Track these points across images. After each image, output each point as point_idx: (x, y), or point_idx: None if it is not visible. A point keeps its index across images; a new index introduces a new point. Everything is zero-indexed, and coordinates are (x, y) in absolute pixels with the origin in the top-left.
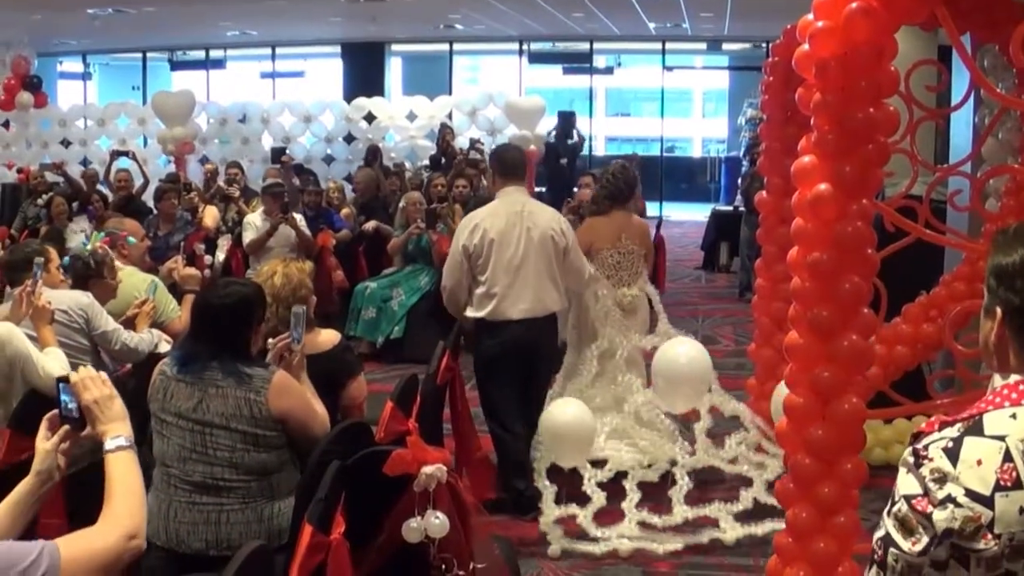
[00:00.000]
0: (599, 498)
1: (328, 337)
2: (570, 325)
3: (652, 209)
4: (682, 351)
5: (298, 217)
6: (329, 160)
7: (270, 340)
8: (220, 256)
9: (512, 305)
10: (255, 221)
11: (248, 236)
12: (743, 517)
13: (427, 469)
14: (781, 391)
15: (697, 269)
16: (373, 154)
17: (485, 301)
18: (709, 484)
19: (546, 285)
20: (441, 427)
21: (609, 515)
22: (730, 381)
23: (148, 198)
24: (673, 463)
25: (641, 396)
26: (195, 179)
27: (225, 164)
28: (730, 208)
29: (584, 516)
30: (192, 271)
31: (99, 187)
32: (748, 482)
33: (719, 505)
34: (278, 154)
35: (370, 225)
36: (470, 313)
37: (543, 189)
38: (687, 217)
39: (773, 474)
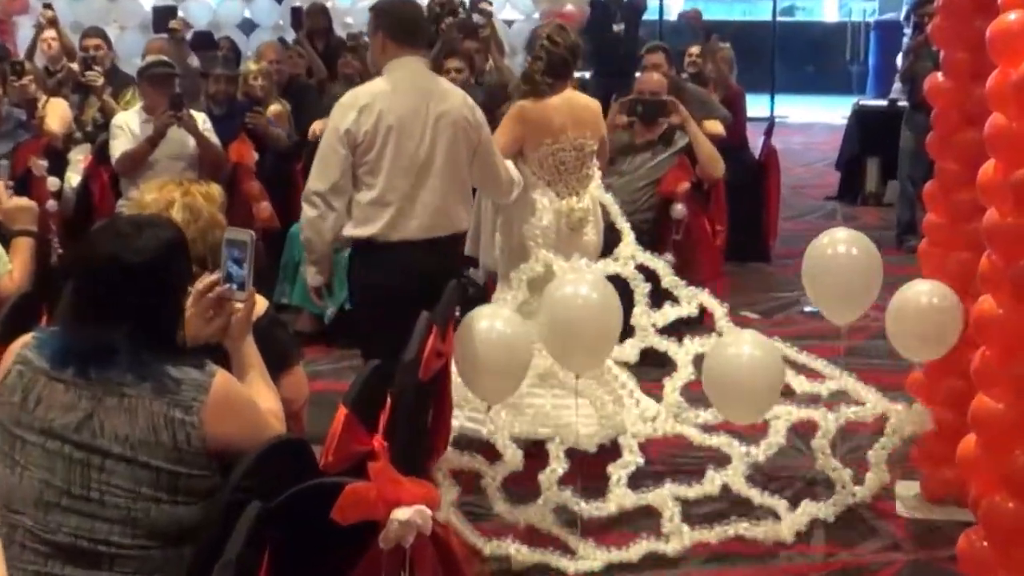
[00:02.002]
0: (513, 459)
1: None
2: (497, 249)
3: (758, 106)
4: (745, 352)
5: (199, 117)
6: (248, 27)
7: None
8: (73, 178)
9: (412, 219)
10: (129, 123)
11: (119, 146)
12: (700, 514)
13: (400, 514)
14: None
15: (830, 200)
16: (311, 18)
17: (374, 213)
18: (666, 460)
19: (455, 193)
20: (425, 446)
21: (521, 484)
22: (884, 375)
23: None
24: (620, 431)
25: None
26: (33, 56)
27: (80, 33)
28: (883, 103)
29: (492, 480)
30: (24, 202)
31: None
32: (721, 462)
33: (671, 488)
34: (164, 17)
35: (317, 128)
36: (349, 231)
37: (587, 74)
38: (814, 118)
39: (765, 454)
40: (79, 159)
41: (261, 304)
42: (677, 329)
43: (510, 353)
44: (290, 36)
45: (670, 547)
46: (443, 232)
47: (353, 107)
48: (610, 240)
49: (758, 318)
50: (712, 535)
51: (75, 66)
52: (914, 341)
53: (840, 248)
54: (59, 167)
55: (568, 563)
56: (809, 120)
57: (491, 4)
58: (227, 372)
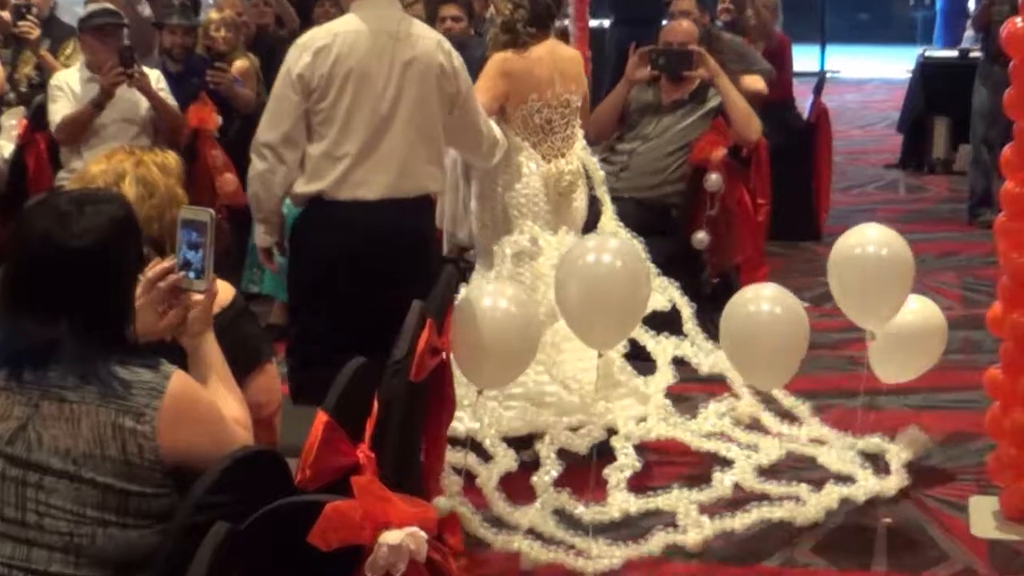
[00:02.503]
0: (506, 458)
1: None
2: (474, 218)
3: (806, 58)
4: (764, 309)
5: (152, 74)
6: None
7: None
8: (5, 147)
9: (369, 176)
10: (70, 83)
11: (59, 110)
12: (714, 509)
13: (390, 537)
14: None
15: (891, 168)
16: None
17: (325, 167)
18: (665, 465)
19: (422, 150)
20: (417, 457)
21: (515, 487)
22: (958, 371)
23: None
24: (612, 431)
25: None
26: None
27: None
28: (952, 54)
29: (488, 480)
30: None
31: None
32: (724, 464)
33: (679, 492)
34: None
35: None
36: (297, 187)
37: (606, 21)
38: (871, 72)
39: (768, 459)
40: (11, 124)
41: (226, 293)
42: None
43: (519, 334)
44: None
45: (690, 538)
46: (405, 193)
47: (308, 48)
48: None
49: (807, 305)
50: (736, 523)
51: (5, 15)
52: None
53: (869, 249)
54: None
55: (585, 562)
56: (866, 75)
57: None
58: (185, 373)
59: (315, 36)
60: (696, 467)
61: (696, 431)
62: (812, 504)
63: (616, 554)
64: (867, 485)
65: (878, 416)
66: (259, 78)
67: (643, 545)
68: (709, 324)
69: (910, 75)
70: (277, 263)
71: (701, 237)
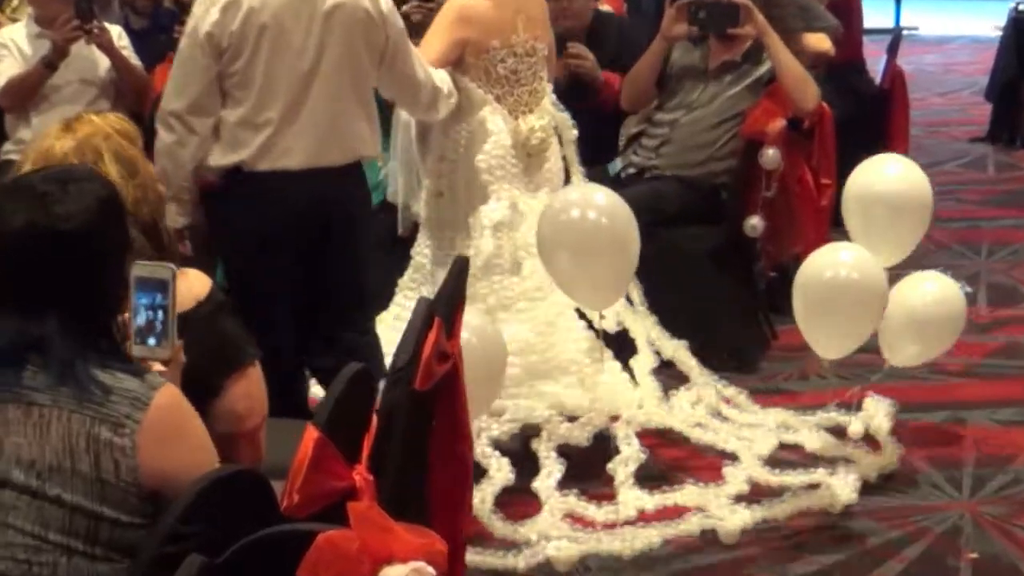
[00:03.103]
0: (500, 471)
1: (189, 285)
2: (425, 187)
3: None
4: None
5: (114, 31)
6: None
7: None
8: None
9: (293, 143)
10: (16, 39)
11: (4, 70)
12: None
13: (391, 573)
14: None
15: (977, 142)
16: None
17: (244, 136)
18: (666, 456)
19: (351, 111)
20: (422, 479)
21: (518, 502)
22: None
23: None
24: (613, 417)
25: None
26: None
27: None
28: None
29: (482, 503)
30: None
31: None
32: (725, 456)
33: (699, 488)
34: None
35: None
36: (215, 160)
37: None
38: (955, 30)
39: (768, 447)
40: None
41: (202, 284)
42: None
43: (486, 364)
44: None
45: (729, 523)
46: (335, 160)
47: (215, 3)
48: None
49: None
50: (776, 512)
51: None
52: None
53: (841, 272)
54: None
55: (621, 545)
56: (948, 32)
57: None
58: (176, 388)
59: None
60: (699, 459)
61: (686, 421)
62: (838, 487)
63: (653, 535)
64: (871, 462)
65: (963, 432)
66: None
67: (684, 523)
68: (764, 323)
69: (1000, 33)
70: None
71: (755, 223)
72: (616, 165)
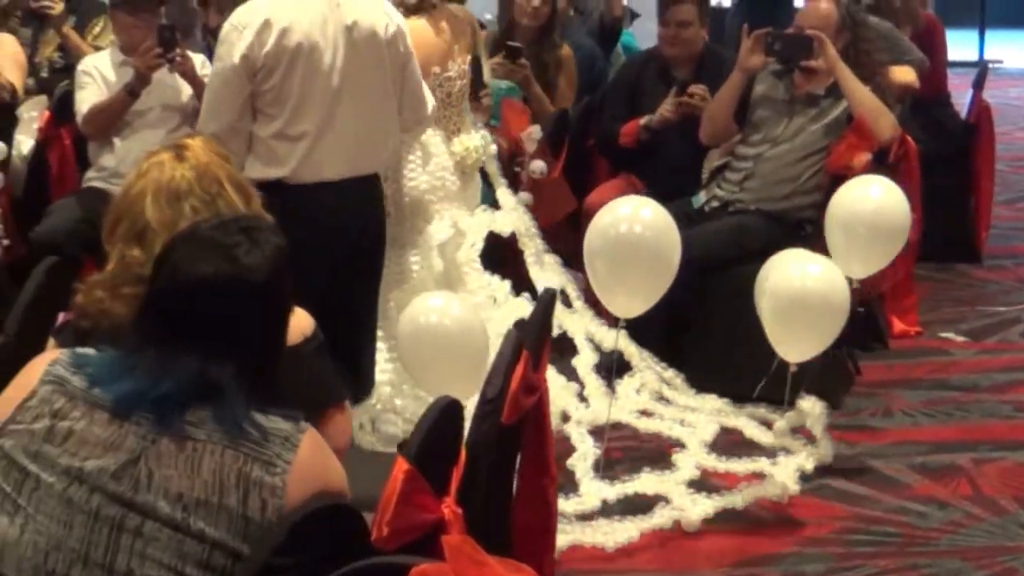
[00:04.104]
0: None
1: (297, 321)
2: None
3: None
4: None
5: (196, 59)
6: None
7: None
8: (24, 143)
9: (329, 155)
10: (100, 67)
11: (87, 98)
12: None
13: None
14: None
15: None
16: None
17: (283, 149)
18: (618, 448)
19: (378, 123)
20: (506, 513)
21: None
22: None
23: None
24: (565, 417)
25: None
26: None
27: None
28: None
29: None
30: None
31: None
32: (673, 444)
33: (655, 475)
34: None
35: None
36: (255, 175)
37: (727, 1)
38: None
39: (710, 433)
40: (32, 117)
41: (308, 322)
42: None
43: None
44: None
45: (694, 513)
46: (367, 170)
47: (249, 26)
48: None
49: (963, 340)
50: (735, 500)
51: None
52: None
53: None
54: (5, 127)
55: (603, 537)
56: None
57: None
58: (316, 431)
59: (253, 11)
60: (648, 447)
61: (631, 410)
62: (780, 473)
63: (631, 528)
64: (810, 452)
65: None
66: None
67: (656, 517)
68: (848, 359)
69: None
70: None
71: None
72: (700, 198)
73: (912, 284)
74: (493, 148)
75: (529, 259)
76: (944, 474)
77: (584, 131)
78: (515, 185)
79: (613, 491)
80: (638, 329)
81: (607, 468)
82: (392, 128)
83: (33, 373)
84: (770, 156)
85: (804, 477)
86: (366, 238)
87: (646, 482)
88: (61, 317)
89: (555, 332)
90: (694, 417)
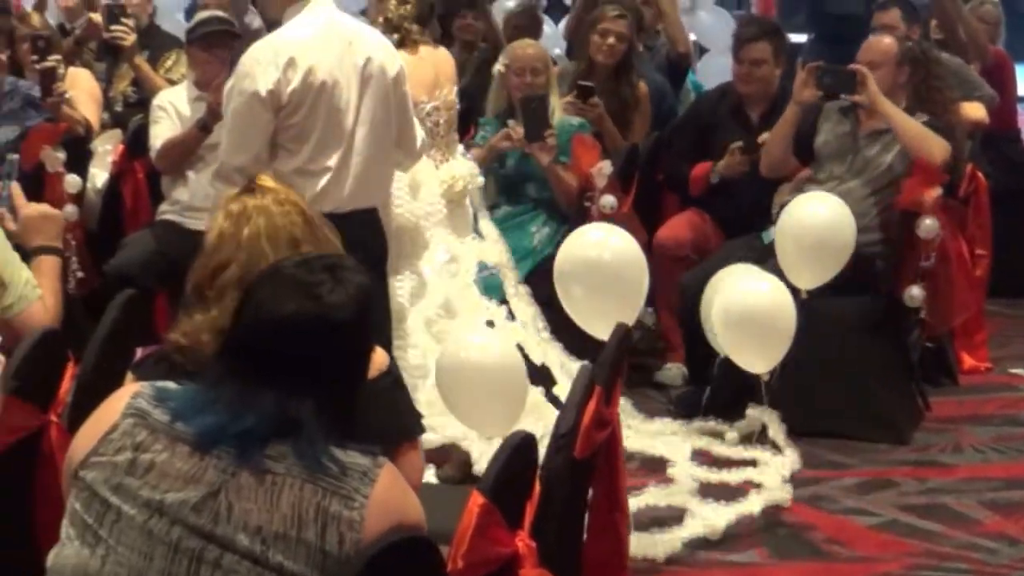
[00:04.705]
0: None
1: (372, 356)
2: None
3: None
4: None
5: None
6: None
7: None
8: (98, 176)
9: (344, 190)
10: (175, 102)
11: (161, 132)
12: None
13: None
14: None
15: None
16: None
17: (303, 184)
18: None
19: (382, 157)
20: (578, 547)
21: None
22: None
23: None
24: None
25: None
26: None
27: None
28: None
29: None
30: (47, 210)
31: None
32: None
33: (659, 489)
34: None
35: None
36: None
37: (802, 38)
38: None
39: (688, 450)
40: (106, 150)
41: (384, 358)
42: None
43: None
44: None
45: (719, 522)
46: (372, 202)
47: (272, 63)
48: None
49: None
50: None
51: (97, 17)
52: None
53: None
54: (79, 161)
55: (647, 549)
56: None
57: None
58: (393, 466)
59: (277, 48)
60: (644, 465)
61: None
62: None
63: (672, 539)
64: (784, 460)
65: None
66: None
67: (677, 531)
68: (917, 397)
69: None
70: None
71: (915, 293)
72: (770, 234)
73: (982, 320)
74: (480, 179)
75: (509, 290)
76: (1014, 510)
77: (654, 166)
78: (585, 219)
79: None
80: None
81: None
82: (393, 161)
83: (115, 406)
84: (837, 194)
85: (874, 514)
86: (370, 266)
87: (656, 495)
88: (140, 352)
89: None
90: (667, 437)
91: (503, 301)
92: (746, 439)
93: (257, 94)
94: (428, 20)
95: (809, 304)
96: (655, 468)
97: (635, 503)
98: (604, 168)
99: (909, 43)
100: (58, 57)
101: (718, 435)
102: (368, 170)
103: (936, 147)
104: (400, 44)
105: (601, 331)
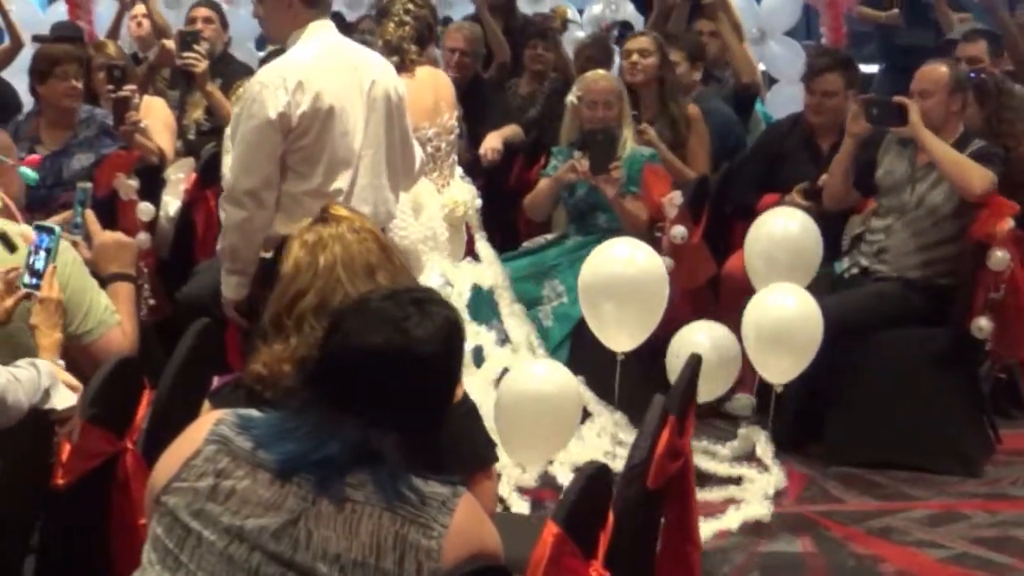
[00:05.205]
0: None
1: None
2: None
3: None
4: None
5: None
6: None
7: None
8: (171, 204)
9: (359, 210)
10: None
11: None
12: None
13: None
14: None
15: None
16: None
17: (315, 206)
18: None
19: (386, 178)
20: (652, 574)
21: None
22: None
23: (13, 75)
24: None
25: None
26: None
27: (177, 11)
28: None
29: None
30: (122, 238)
31: None
32: None
33: None
34: None
35: (492, 144)
36: (288, 230)
37: (873, 68)
38: None
39: None
40: (178, 178)
41: (457, 388)
42: None
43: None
44: (456, 14)
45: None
46: (378, 222)
47: (281, 87)
48: None
49: None
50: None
51: (169, 43)
52: None
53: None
54: (151, 190)
55: None
56: None
57: None
58: (472, 496)
59: (285, 72)
60: None
61: (603, 451)
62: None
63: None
64: (770, 477)
65: None
66: (462, 129)
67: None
68: (987, 429)
69: None
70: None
71: (983, 325)
72: (842, 265)
73: None
74: (478, 202)
75: (504, 311)
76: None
77: (724, 197)
78: (656, 249)
79: None
80: (779, 396)
81: None
82: (398, 183)
83: (197, 433)
84: (899, 228)
85: (945, 547)
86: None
87: None
88: (216, 381)
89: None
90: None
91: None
92: (740, 457)
93: (266, 117)
94: (427, 41)
95: (878, 337)
96: None
97: None
98: (675, 198)
99: (982, 75)
100: (133, 87)
101: (711, 454)
102: (375, 192)
103: (975, 177)
104: (400, 68)
105: (620, 344)
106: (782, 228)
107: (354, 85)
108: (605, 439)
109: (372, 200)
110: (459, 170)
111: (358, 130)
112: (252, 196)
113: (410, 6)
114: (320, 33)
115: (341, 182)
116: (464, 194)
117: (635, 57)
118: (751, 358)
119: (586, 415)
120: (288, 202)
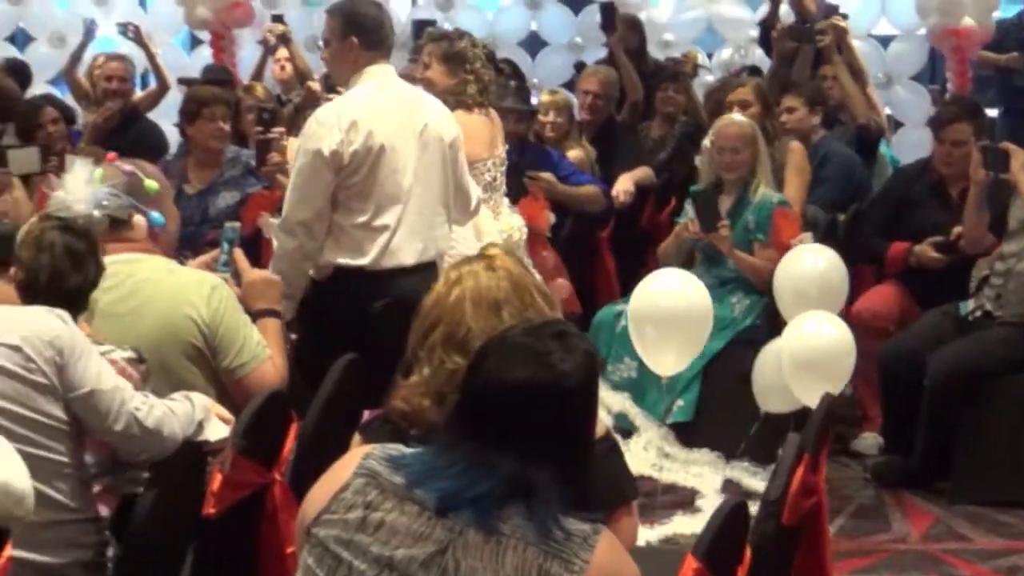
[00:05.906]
0: None
1: None
2: None
3: None
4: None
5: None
6: (534, 44)
7: None
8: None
9: (404, 244)
10: None
11: None
12: None
13: None
14: None
15: None
16: (622, 26)
17: (365, 239)
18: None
19: (439, 214)
20: None
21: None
22: None
23: (160, 117)
24: None
25: None
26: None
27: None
28: None
29: None
30: (270, 275)
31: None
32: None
33: (687, 518)
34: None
35: (624, 186)
36: (335, 259)
37: (994, 113)
38: None
39: (718, 482)
40: None
41: (601, 424)
42: None
43: None
44: (588, 57)
45: None
46: (431, 256)
47: (335, 126)
48: None
49: None
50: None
51: (315, 84)
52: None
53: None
54: None
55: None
56: None
57: (845, 17)
58: (612, 534)
59: (340, 112)
60: (671, 495)
61: (650, 463)
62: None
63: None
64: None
65: None
66: (594, 170)
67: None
68: None
69: None
70: None
71: None
72: (968, 306)
73: None
74: (525, 230)
75: None
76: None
77: (853, 238)
78: None
79: (654, 533)
80: (908, 440)
81: (643, 514)
82: (449, 219)
83: (347, 467)
84: (1018, 271)
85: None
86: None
87: (682, 524)
88: (367, 414)
89: None
90: (698, 469)
91: None
92: None
93: (320, 153)
94: (487, 93)
95: (1006, 379)
96: (683, 501)
97: (662, 531)
98: (805, 239)
99: None
100: (282, 129)
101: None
102: (426, 228)
103: None
104: (459, 107)
105: (663, 367)
106: (811, 264)
107: (407, 125)
108: (652, 452)
109: (423, 235)
110: (505, 200)
111: (408, 169)
112: (304, 227)
113: (485, 60)
114: (379, 76)
115: (389, 217)
116: (517, 222)
117: (736, 110)
118: (789, 383)
119: (633, 429)
120: (338, 232)
